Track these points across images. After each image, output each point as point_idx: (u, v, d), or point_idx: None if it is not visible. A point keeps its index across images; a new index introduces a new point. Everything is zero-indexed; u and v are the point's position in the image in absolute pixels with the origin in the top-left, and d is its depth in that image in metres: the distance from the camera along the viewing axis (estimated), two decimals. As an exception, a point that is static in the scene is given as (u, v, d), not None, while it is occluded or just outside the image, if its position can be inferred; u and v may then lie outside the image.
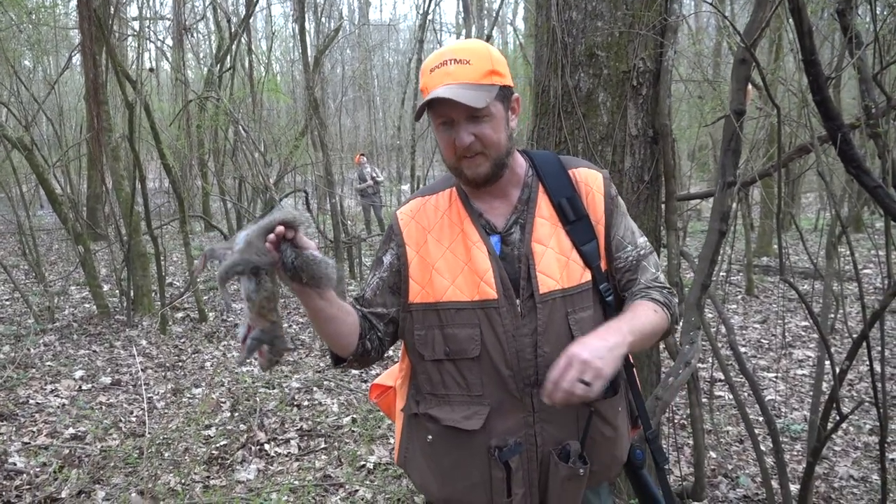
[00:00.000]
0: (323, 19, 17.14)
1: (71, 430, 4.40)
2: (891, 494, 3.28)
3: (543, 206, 1.58)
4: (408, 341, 1.62)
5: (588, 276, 1.56)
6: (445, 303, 1.54)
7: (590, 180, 1.61)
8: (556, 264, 1.54)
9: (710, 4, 2.56)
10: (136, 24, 12.67)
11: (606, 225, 1.59)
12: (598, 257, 1.57)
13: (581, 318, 1.53)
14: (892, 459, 3.69)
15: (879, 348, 3.28)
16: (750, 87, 2.69)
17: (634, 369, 1.69)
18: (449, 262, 1.55)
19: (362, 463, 3.86)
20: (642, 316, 1.49)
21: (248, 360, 1.44)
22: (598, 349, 1.32)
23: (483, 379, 1.52)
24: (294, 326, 7.03)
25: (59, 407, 4.85)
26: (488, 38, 7.90)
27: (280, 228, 1.31)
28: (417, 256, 1.58)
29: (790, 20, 2.13)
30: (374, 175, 13.22)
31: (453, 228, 1.58)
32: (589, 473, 1.53)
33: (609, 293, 1.59)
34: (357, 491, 3.54)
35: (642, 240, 1.64)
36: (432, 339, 1.55)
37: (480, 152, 1.50)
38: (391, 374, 1.86)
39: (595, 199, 1.59)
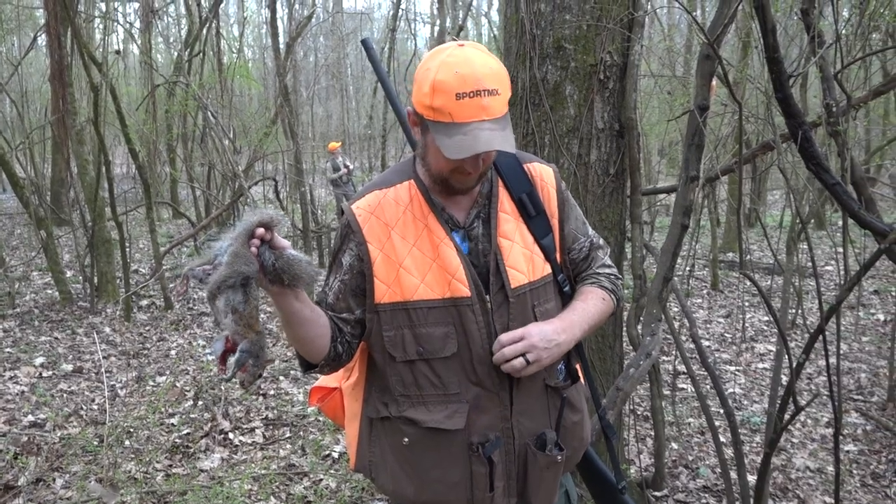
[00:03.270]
0: (296, 6, 16.95)
1: (30, 418, 4.32)
2: (844, 485, 3.37)
3: (505, 201, 1.58)
4: (374, 343, 1.57)
5: (548, 269, 1.60)
6: (416, 301, 1.50)
7: (544, 175, 1.64)
8: (523, 258, 1.55)
9: (677, 0, 2.58)
10: (102, 5, 12.41)
11: (560, 219, 1.63)
12: (554, 250, 1.62)
13: (546, 310, 1.58)
14: (847, 451, 3.79)
15: (835, 342, 3.36)
16: (715, 82, 2.72)
17: (586, 356, 1.77)
18: (416, 259, 1.51)
19: (327, 452, 3.85)
20: (592, 307, 1.61)
21: (233, 377, 1.38)
22: (549, 341, 1.50)
23: (459, 377, 1.51)
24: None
25: (17, 394, 4.75)
26: (461, 29, 7.89)
27: (260, 230, 1.29)
28: (381, 254, 1.52)
29: (756, 19, 2.15)
30: (347, 164, 13.12)
31: (417, 224, 1.53)
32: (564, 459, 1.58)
33: (566, 283, 1.65)
34: (322, 480, 3.54)
35: (590, 229, 1.73)
36: (402, 339, 1.52)
37: (481, 172, 1.49)
38: (334, 376, 1.80)
39: (550, 194, 1.63)
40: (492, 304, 1.52)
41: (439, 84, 1.38)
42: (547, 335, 1.49)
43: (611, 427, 1.79)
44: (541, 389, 1.59)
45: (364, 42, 1.82)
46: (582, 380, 1.74)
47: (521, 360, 1.46)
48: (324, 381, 1.84)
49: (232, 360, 1.37)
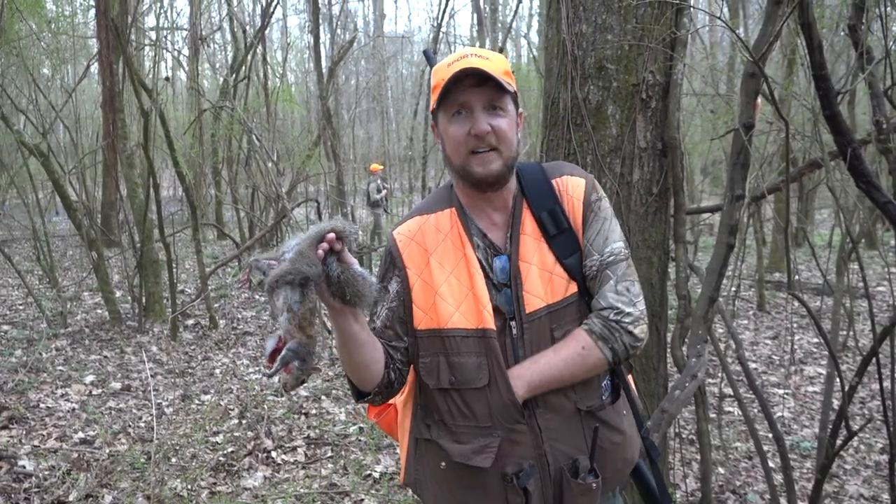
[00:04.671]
0: (338, 31, 17.27)
1: (80, 435, 4.42)
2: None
3: (527, 221, 1.55)
4: (416, 367, 1.58)
5: (573, 288, 1.53)
6: (450, 330, 1.49)
7: (571, 188, 1.56)
8: (540, 281, 1.51)
9: (720, 19, 2.57)
10: (153, 34, 12.83)
11: (582, 232, 1.55)
12: (581, 268, 1.55)
13: (567, 332, 1.52)
14: (903, 478, 3.65)
15: (890, 366, 3.25)
16: (760, 100, 2.69)
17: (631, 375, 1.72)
18: (453, 287, 1.51)
19: (368, 472, 3.86)
20: (560, 360, 1.48)
21: (277, 374, 1.37)
22: None
23: (490, 409, 1.49)
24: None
25: (69, 411, 4.88)
26: (501, 51, 7.96)
27: (331, 236, 1.27)
28: (420, 280, 1.52)
29: (802, 35, 2.13)
30: (386, 186, 13.29)
31: (456, 252, 1.53)
32: (603, 482, 1.52)
33: None
34: (363, 500, 3.54)
35: (613, 247, 1.54)
36: (437, 366, 1.51)
37: (494, 147, 1.45)
38: None
39: (574, 207, 1.55)
40: (517, 332, 1.50)
41: (436, 70, 1.51)
42: None
43: (654, 448, 1.72)
44: (571, 413, 1.53)
45: (425, 53, 1.89)
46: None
47: None
48: None
49: (279, 357, 1.35)
